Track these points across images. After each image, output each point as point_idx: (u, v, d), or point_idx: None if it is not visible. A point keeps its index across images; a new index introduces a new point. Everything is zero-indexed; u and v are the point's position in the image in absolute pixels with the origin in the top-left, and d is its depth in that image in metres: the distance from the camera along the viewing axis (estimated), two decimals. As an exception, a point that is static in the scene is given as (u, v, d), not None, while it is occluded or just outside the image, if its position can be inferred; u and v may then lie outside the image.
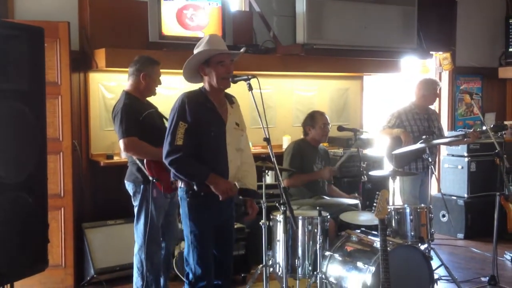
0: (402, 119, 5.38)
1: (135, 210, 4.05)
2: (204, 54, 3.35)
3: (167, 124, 3.41)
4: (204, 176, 3.26)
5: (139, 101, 4.06)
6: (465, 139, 5.33)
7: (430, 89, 5.40)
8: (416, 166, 5.33)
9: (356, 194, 4.74)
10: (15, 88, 3.16)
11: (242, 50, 3.49)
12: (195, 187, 3.29)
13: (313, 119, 4.86)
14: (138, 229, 4.05)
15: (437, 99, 7.45)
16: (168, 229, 4.20)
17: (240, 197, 3.54)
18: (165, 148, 3.31)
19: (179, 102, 3.33)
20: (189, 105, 3.30)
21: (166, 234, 4.19)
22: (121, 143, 3.92)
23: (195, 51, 3.40)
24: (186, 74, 3.45)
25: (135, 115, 3.94)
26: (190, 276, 3.37)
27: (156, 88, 4.17)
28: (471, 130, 5.37)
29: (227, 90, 3.48)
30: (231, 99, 3.52)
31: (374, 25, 6.35)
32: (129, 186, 4.09)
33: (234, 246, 4.72)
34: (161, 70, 5.31)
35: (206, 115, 3.33)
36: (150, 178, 3.89)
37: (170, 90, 5.58)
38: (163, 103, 5.50)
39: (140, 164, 3.95)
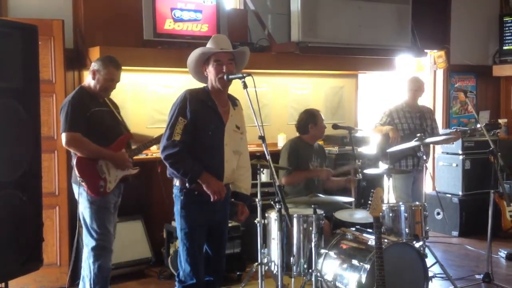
0: (393, 117, 5.44)
1: (84, 215, 3.82)
2: (198, 53, 3.37)
3: (167, 119, 3.37)
4: (197, 174, 3.26)
5: (91, 97, 3.87)
6: (450, 138, 5.34)
7: (411, 86, 5.48)
8: (406, 164, 5.37)
9: (352, 174, 4.76)
10: (9, 86, 3.15)
11: (241, 48, 3.48)
12: (186, 184, 3.29)
13: (315, 116, 4.86)
14: (87, 234, 3.83)
15: (431, 96, 7.59)
16: None
17: (233, 199, 3.55)
18: (162, 142, 3.32)
19: (181, 98, 3.34)
20: (190, 101, 3.30)
21: None
22: (62, 136, 3.76)
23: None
24: (193, 75, 3.47)
25: (83, 110, 3.77)
26: (180, 274, 3.40)
27: (108, 90, 3.93)
28: (455, 130, 5.41)
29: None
30: (234, 102, 3.52)
31: (369, 24, 6.35)
32: (74, 189, 3.89)
33: (230, 244, 4.75)
34: (156, 69, 5.35)
35: (206, 113, 3.34)
36: (78, 178, 3.73)
37: (166, 88, 5.59)
38: (159, 101, 5.54)
39: (73, 162, 3.78)
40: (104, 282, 3.87)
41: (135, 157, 4.05)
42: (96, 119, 3.81)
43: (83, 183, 3.73)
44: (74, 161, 3.76)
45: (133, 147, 4.05)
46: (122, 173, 3.91)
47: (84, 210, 3.83)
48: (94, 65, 3.90)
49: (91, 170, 3.75)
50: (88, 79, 3.92)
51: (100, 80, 3.86)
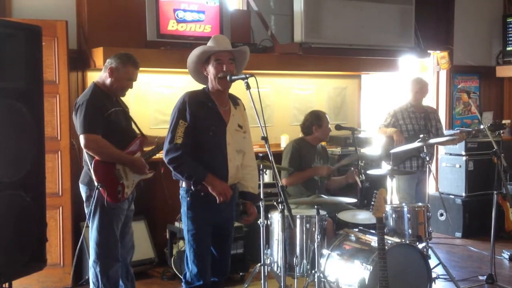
0: (398, 117, 5.45)
1: (90, 217, 3.69)
2: (198, 52, 3.36)
3: (169, 124, 3.35)
4: (202, 176, 3.26)
5: (106, 96, 3.72)
6: (454, 139, 5.34)
7: (414, 87, 5.49)
8: (411, 165, 5.36)
9: (352, 168, 4.75)
10: (12, 86, 3.15)
11: (241, 47, 3.48)
12: (192, 186, 3.29)
13: (320, 119, 4.85)
14: (92, 239, 3.71)
15: (434, 97, 7.58)
16: (122, 239, 3.84)
17: (241, 200, 3.54)
18: (165, 146, 3.32)
19: (181, 101, 3.34)
20: (190, 103, 3.30)
21: (120, 245, 3.82)
22: (81, 138, 3.57)
23: None
24: (193, 75, 3.46)
25: (101, 110, 3.62)
26: (187, 275, 3.40)
27: (124, 90, 3.79)
28: (459, 131, 5.40)
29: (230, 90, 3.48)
30: (235, 101, 3.51)
31: (372, 24, 6.36)
32: (82, 190, 3.75)
33: (233, 245, 4.74)
34: (159, 69, 5.35)
35: (206, 114, 3.33)
36: (96, 183, 3.55)
37: (169, 89, 5.60)
38: (162, 101, 5.55)
39: (89, 165, 3.61)
40: None
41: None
42: (113, 121, 3.67)
43: (101, 189, 3.56)
44: (92, 165, 3.57)
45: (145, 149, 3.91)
46: (139, 177, 3.79)
47: (93, 215, 3.67)
48: (111, 63, 3.71)
49: (109, 175, 3.61)
50: (103, 77, 3.74)
51: (118, 79, 3.70)
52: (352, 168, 4.78)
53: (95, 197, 3.61)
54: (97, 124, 3.59)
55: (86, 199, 3.75)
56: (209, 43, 3.41)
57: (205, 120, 3.32)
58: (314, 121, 4.85)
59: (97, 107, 3.62)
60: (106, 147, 3.60)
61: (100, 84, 3.75)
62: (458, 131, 5.50)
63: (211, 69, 3.34)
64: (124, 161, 3.70)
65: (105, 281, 3.70)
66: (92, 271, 3.76)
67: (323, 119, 4.86)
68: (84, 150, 3.67)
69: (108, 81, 3.72)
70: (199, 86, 3.51)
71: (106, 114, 3.64)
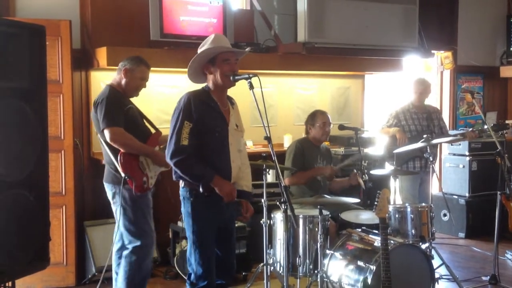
0: (400, 118, 5.45)
1: (118, 213, 3.84)
2: (210, 51, 3.35)
3: (171, 124, 3.34)
4: (210, 178, 3.26)
5: (121, 96, 3.92)
6: (463, 137, 5.34)
7: (416, 88, 5.48)
8: (413, 165, 5.36)
9: (355, 171, 4.76)
10: (16, 86, 3.16)
11: (247, 49, 3.51)
12: (200, 189, 3.27)
13: (314, 118, 4.86)
14: (129, 234, 3.87)
15: (438, 97, 7.57)
16: None
17: (236, 198, 3.54)
18: (170, 147, 3.27)
19: (185, 101, 3.30)
20: (195, 104, 3.29)
21: None
22: (106, 133, 3.72)
23: (199, 51, 3.40)
24: (191, 74, 3.45)
25: (120, 106, 3.83)
26: (192, 276, 3.38)
27: (139, 89, 4.01)
28: (470, 130, 5.38)
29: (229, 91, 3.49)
30: (231, 101, 3.52)
31: (376, 24, 6.35)
32: (107, 188, 3.93)
33: (236, 245, 4.75)
34: (162, 69, 5.36)
35: (211, 115, 3.33)
36: (122, 174, 3.73)
37: (172, 89, 5.60)
38: (165, 101, 5.55)
39: (114, 160, 3.78)
40: (142, 282, 3.92)
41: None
42: (130, 117, 3.86)
43: (128, 180, 3.72)
44: (118, 158, 3.74)
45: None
46: (159, 169, 3.95)
47: (126, 209, 3.83)
48: (125, 64, 3.92)
49: (134, 166, 3.78)
50: (117, 79, 3.95)
51: (133, 79, 3.91)
52: (355, 170, 4.77)
53: (121, 193, 3.77)
54: (119, 117, 3.77)
55: (112, 197, 3.90)
56: (211, 43, 3.38)
57: (210, 121, 3.32)
58: (309, 120, 4.90)
59: (115, 103, 3.79)
60: (131, 139, 3.78)
61: (115, 86, 3.94)
62: (471, 130, 5.46)
63: (218, 68, 3.33)
64: (147, 153, 3.87)
65: (138, 271, 3.86)
66: (127, 260, 3.87)
67: (317, 118, 4.85)
68: (105, 147, 3.82)
69: (123, 81, 3.92)
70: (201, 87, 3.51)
71: (124, 110, 3.83)
